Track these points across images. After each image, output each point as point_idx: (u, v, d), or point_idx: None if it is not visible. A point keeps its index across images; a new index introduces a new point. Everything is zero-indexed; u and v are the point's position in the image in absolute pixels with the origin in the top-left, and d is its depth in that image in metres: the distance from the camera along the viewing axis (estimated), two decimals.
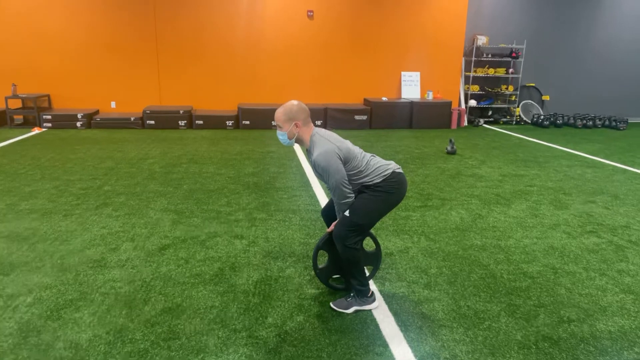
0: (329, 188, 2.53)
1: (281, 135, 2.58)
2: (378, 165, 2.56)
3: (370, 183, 2.53)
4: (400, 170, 2.61)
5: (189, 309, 2.61)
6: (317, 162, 2.46)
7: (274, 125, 8.72)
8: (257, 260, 3.24)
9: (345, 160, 2.48)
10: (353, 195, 2.52)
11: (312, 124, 2.60)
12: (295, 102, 2.55)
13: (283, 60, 9.27)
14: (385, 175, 2.53)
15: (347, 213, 2.55)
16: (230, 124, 8.77)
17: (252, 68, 9.22)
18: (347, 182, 2.48)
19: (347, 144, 2.56)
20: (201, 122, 8.70)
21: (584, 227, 4.00)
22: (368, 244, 3.04)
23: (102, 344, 2.28)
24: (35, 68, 8.63)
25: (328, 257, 2.82)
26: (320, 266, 2.83)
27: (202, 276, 2.99)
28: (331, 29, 9.25)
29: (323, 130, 2.61)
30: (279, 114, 2.53)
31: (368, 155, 2.62)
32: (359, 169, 2.52)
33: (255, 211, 4.21)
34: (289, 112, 2.51)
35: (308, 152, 2.58)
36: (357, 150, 2.58)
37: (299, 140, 2.58)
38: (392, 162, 2.63)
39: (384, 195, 2.54)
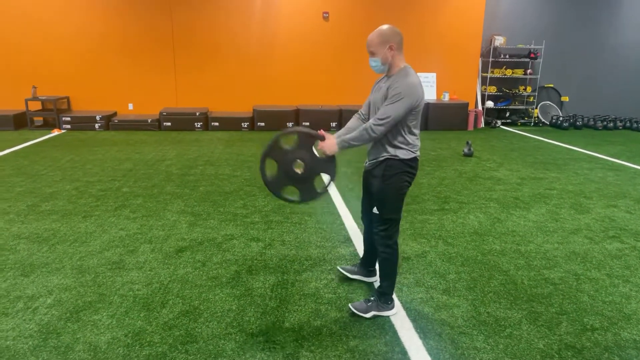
0: (376, 112, 2.41)
1: (374, 62, 2.46)
2: (418, 140, 2.51)
3: (403, 156, 2.45)
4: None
5: (206, 312, 2.61)
6: (394, 86, 2.35)
7: (288, 126, 8.78)
8: (274, 263, 3.24)
9: (412, 109, 2.38)
10: (383, 131, 2.38)
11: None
12: (386, 25, 2.44)
13: (298, 62, 9.27)
14: (415, 153, 2.49)
15: (375, 210, 2.52)
16: (245, 126, 8.79)
17: (267, 70, 9.24)
18: (394, 121, 2.36)
19: (423, 97, 2.46)
20: (217, 123, 8.75)
21: (606, 232, 3.91)
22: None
23: (121, 346, 2.29)
24: (54, 71, 8.77)
25: (278, 167, 2.59)
26: (269, 176, 2.59)
27: (219, 279, 2.99)
28: (346, 30, 9.23)
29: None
30: (371, 36, 2.42)
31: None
32: (412, 127, 2.44)
33: (271, 214, 4.21)
34: (383, 34, 2.40)
35: (387, 78, 2.47)
36: (422, 107, 2.48)
37: (389, 65, 2.45)
38: None
39: (403, 181, 2.49)
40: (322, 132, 2.56)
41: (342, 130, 2.68)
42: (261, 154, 2.54)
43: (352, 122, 2.73)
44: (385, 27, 2.43)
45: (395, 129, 2.43)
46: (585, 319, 2.61)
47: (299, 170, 2.57)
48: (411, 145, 2.47)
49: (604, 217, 4.27)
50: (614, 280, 3.07)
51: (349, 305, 2.64)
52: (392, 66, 2.46)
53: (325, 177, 2.68)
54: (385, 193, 2.50)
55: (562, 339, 2.42)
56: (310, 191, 2.64)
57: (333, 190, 4.93)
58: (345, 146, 2.48)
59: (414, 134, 2.48)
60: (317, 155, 2.57)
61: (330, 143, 2.51)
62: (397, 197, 2.51)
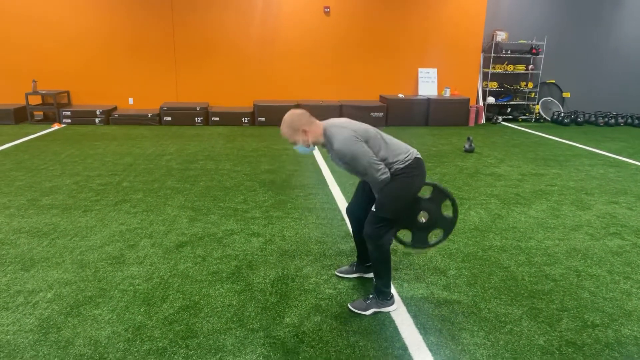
0: (362, 174, 2.47)
1: (300, 148, 2.56)
2: (399, 149, 2.51)
3: (392, 169, 2.47)
4: (420, 156, 2.57)
5: (207, 307, 2.61)
6: (340, 153, 2.41)
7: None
8: (274, 258, 3.23)
9: (365, 141, 2.42)
10: (387, 171, 2.44)
11: (316, 120, 2.55)
12: (288, 114, 2.52)
13: (299, 57, 9.24)
14: (407, 161, 2.49)
15: (373, 208, 2.52)
16: (246, 121, 8.78)
17: (267, 64, 9.21)
18: (376, 160, 2.42)
19: (362, 125, 2.51)
20: (217, 118, 8.73)
21: (607, 229, 3.91)
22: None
23: (121, 341, 2.29)
24: (55, 65, 8.75)
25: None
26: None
27: (219, 274, 2.99)
28: (348, 24, 9.19)
29: (332, 119, 2.57)
30: (283, 131, 2.52)
31: (385, 135, 2.56)
32: (379, 148, 2.46)
33: (272, 209, 4.20)
34: (290, 124, 2.48)
35: (326, 148, 2.54)
36: (372, 130, 2.52)
37: (315, 143, 2.54)
38: (411, 147, 2.58)
39: (407, 182, 2.48)
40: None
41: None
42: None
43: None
44: (287, 117, 2.50)
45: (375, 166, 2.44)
46: (586, 315, 2.61)
47: (422, 219, 2.70)
48: (397, 160, 2.47)
49: (605, 214, 4.26)
50: (614, 277, 3.07)
51: (348, 305, 2.63)
52: (317, 139, 2.51)
53: (440, 233, 2.78)
54: (386, 192, 2.49)
55: (563, 335, 2.42)
56: (422, 240, 2.74)
57: (333, 186, 4.93)
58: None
59: (389, 151, 2.48)
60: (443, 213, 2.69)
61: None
62: (397, 196, 2.49)
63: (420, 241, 2.74)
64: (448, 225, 2.71)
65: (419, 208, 2.67)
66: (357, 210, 2.78)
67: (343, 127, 2.45)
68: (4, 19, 8.44)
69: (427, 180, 2.65)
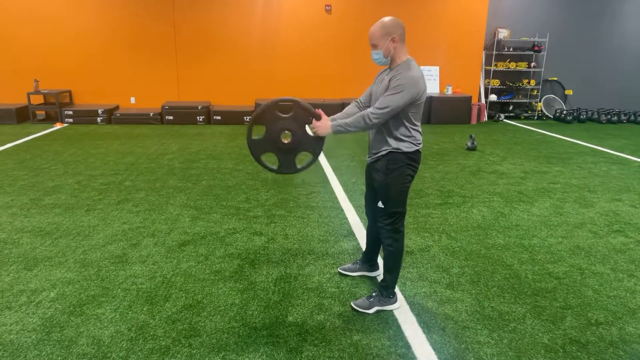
0: (379, 103, 2.37)
1: (376, 55, 2.43)
2: (419, 134, 2.49)
3: (406, 149, 2.43)
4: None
5: (210, 306, 2.61)
6: (399, 77, 2.33)
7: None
8: (277, 257, 3.23)
9: (414, 102, 2.36)
10: (376, 126, 2.41)
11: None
12: (391, 17, 2.41)
13: (300, 55, 9.23)
14: (418, 147, 2.48)
15: (380, 204, 2.51)
16: (247, 120, 8.77)
17: (269, 63, 9.20)
18: (392, 115, 2.35)
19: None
20: (219, 117, 8.73)
21: (610, 226, 3.89)
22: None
23: (124, 340, 2.29)
24: (56, 64, 8.75)
25: (265, 131, 2.58)
26: (254, 137, 2.58)
27: (222, 273, 2.99)
28: (349, 23, 9.17)
29: None
30: (373, 29, 2.39)
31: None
32: (414, 119, 2.42)
33: (274, 208, 4.20)
34: (385, 26, 2.37)
35: (386, 72, 2.46)
36: (423, 102, 2.46)
37: (392, 59, 2.43)
38: None
39: (409, 174, 2.48)
40: (319, 111, 2.55)
41: (339, 115, 2.66)
42: (252, 114, 2.52)
43: (350, 108, 2.71)
44: (387, 19, 2.40)
45: (397, 122, 2.41)
46: (589, 313, 2.60)
47: (285, 140, 2.57)
48: (413, 138, 2.45)
49: (608, 211, 4.25)
50: (618, 275, 3.06)
51: (351, 303, 2.63)
52: (395, 59, 2.43)
53: (308, 156, 2.67)
54: (389, 187, 2.48)
55: (567, 333, 2.41)
56: (289, 165, 2.65)
57: (336, 184, 4.92)
58: (339, 130, 2.45)
59: (415, 127, 2.46)
60: (309, 132, 2.56)
61: (324, 124, 2.49)
62: (401, 190, 2.49)
63: (288, 166, 2.64)
64: (315, 146, 2.59)
65: (281, 128, 2.54)
66: (372, 207, 2.76)
67: (419, 75, 2.37)
68: (6, 18, 8.45)
69: (286, 98, 2.53)
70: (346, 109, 2.71)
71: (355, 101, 2.72)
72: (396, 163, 2.45)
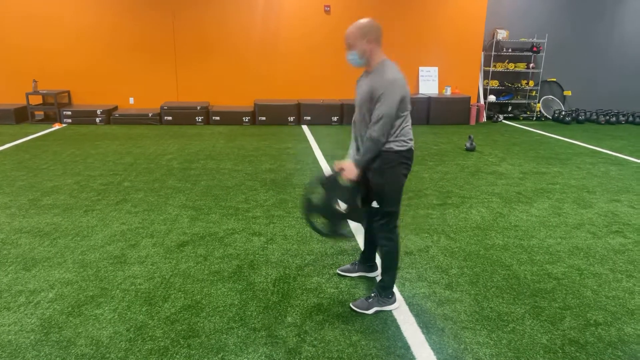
0: (367, 118, 2.38)
1: (351, 56, 2.44)
2: (410, 131, 2.49)
3: (398, 148, 2.42)
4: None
5: (208, 306, 2.61)
6: (378, 85, 2.32)
7: (289, 121, 8.77)
8: (276, 258, 3.23)
9: (402, 99, 2.36)
10: (385, 137, 2.39)
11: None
12: (368, 19, 2.42)
13: (300, 55, 9.23)
14: (410, 145, 2.47)
15: (375, 204, 2.51)
16: (246, 120, 8.77)
17: (268, 64, 9.20)
18: (392, 121, 2.35)
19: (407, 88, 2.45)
20: (218, 118, 8.72)
21: (609, 227, 3.90)
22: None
23: (123, 341, 2.29)
24: (55, 65, 8.74)
25: (325, 196, 2.65)
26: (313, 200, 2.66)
27: (220, 273, 2.98)
28: (348, 23, 9.07)
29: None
30: (350, 29, 2.41)
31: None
32: (401, 116, 2.41)
33: (273, 208, 4.20)
34: (362, 27, 2.38)
35: (364, 75, 2.48)
36: (409, 99, 2.45)
37: (367, 61, 2.44)
38: None
39: (403, 173, 2.48)
40: (336, 165, 2.56)
41: (351, 151, 2.67)
42: (317, 178, 2.63)
43: (352, 138, 2.70)
44: (364, 20, 2.42)
45: (389, 121, 2.40)
46: (588, 314, 2.60)
47: (340, 208, 2.65)
48: (403, 136, 2.45)
49: (607, 212, 4.25)
50: (617, 275, 3.06)
51: (350, 304, 2.63)
52: (370, 60, 2.44)
53: (349, 224, 2.74)
54: (383, 187, 2.48)
55: (566, 334, 2.42)
56: (336, 230, 2.70)
57: None
58: (362, 164, 2.47)
59: (404, 125, 2.46)
60: (345, 183, 2.61)
61: (349, 168, 2.50)
62: (395, 189, 2.50)
63: (334, 231, 2.69)
64: (359, 217, 2.69)
65: (337, 196, 2.60)
66: (366, 212, 2.77)
67: (399, 73, 2.38)
68: (5, 19, 8.43)
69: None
70: (352, 140, 2.69)
71: (352, 122, 2.69)
72: (389, 163, 2.45)
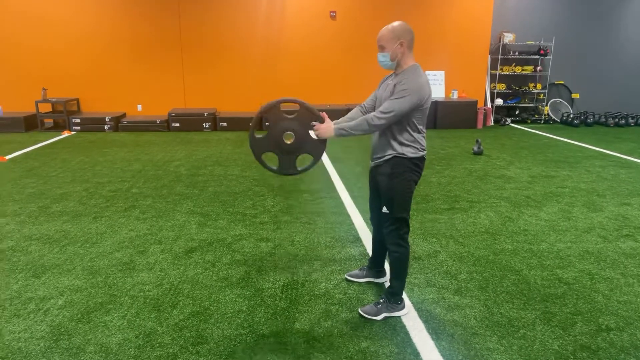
0: (382, 107, 2.39)
1: (383, 57, 2.44)
2: (424, 140, 2.50)
3: (411, 155, 2.43)
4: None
5: (217, 313, 2.61)
6: (405, 81, 2.33)
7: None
8: (283, 263, 3.22)
9: (418, 107, 2.36)
10: (379, 129, 2.41)
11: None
12: (401, 22, 2.43)
13: (305, 61, 9.26)
14: (423, 154, 2.48)
15: (385, 209, 2.50)
16: None
17: (274, 69, 9.24)
18: (396, 119, 2.36)
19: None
20: (225, 124, 8.76)
21: (620, 231, 3.85)
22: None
23: (132, 347, 2.29)
24: (64, 73, 8.84)
25: (268, 130, 2.60)
26: (257, 136, 2.59)
27: (228, 279, 2.99)
28: (354, 29, 9.19)
29: None
30: (383, 31, 2.41)
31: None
32: (418, 124, 2.42)
33: (280, 214, 4.20)
34: (395, 30, 2.38)
35: (391, 77, 2.49)
36: (428, 108, 2.47)
37: (397, 63, 2.44)
38: None
39: (413, 176, 2.48)
40: (323, 114, 2.57)
41: (342, 119, 2.68)
42: (257, 111, 2.54)
43: (353, 112, 2.73)
44: (397, 23, 2.42)
45: (401, 127, 2.42)
46: (600, 319, 2.57)
47: (287, 141, 2.59)
48: (418, 144, 2.45)
49: (617, 216, 4.21)
50: (628, 280, 3.02)
51: (359, 309, 2.62)
52: (401, 63, 2.44)
53: (309, 158, 2.69)
54: (393, 192, 2.48)
55: (577, 339, 2.39)
56: (289, 166, 2.67)
57: (342, 190, 4.91)
58: (342, 133, 2.47)
59: (420, 132, 2.46)
60: (312, 135, 2.58)
61: (327, 127, 2.53)
62: (405, 195, 2.49)
63: (288, 167, 2.64)
64: (316, 148, 2.61)
65: (284, 128, 2.54)
66: (376, 212, 2.76)
67: (425, 81, 2.38)
68: (16, 28, 8.55)
69: (291, 98, 2.55)
70: (350, 113, 2.73)
71: (360, 105, 2.73)
72: (400, 168, 2.45)
